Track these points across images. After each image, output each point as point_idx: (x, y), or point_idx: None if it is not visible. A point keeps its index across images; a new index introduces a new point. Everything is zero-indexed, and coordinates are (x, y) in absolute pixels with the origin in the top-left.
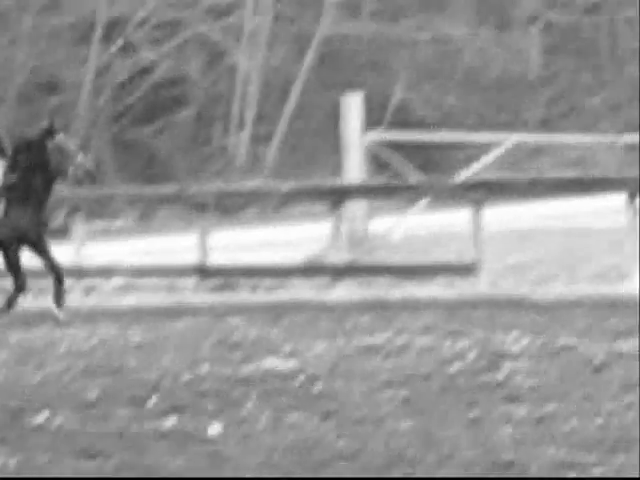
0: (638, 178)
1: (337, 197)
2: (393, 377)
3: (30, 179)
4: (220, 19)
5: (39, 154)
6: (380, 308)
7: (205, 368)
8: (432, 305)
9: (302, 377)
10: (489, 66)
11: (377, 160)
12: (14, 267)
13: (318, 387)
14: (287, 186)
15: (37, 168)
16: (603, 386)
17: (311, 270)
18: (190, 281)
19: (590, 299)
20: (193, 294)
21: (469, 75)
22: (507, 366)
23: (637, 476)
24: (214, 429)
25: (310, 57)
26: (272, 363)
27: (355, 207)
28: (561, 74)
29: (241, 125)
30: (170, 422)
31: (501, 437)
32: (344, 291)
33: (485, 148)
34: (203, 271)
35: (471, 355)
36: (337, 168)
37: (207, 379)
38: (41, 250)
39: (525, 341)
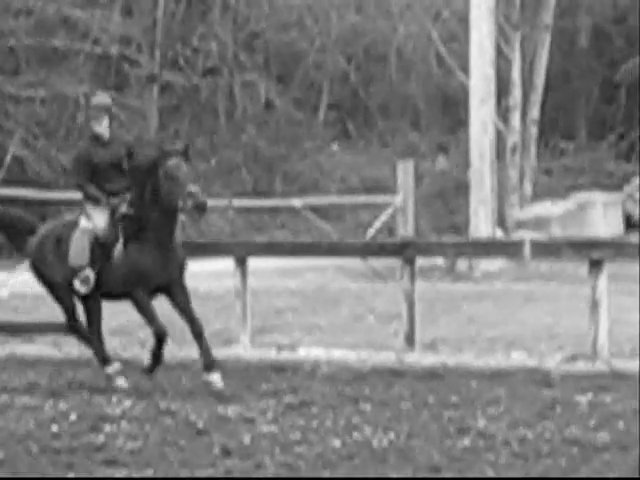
0: (247, 243)
1: None
2: None
3: (145, 210)
4: None
5: (152, 181)
6: None
7: None
8: (36, 364)
9: None
10: None
11: None
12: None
13: None
14: None
15: (151, 197)
16: (204, 450)
17: None
18: None
19: (197, 362)
20: None
21: (84, 133)
22: (107, 429)
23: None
24: None
25: None
26: None
27: None
28: (178, 135)
29: None
30: None
31: None
32: None
33: None
34: None
35: (72, 416)
36: None
37: None
38: (176, 298)
39: (127, 404)
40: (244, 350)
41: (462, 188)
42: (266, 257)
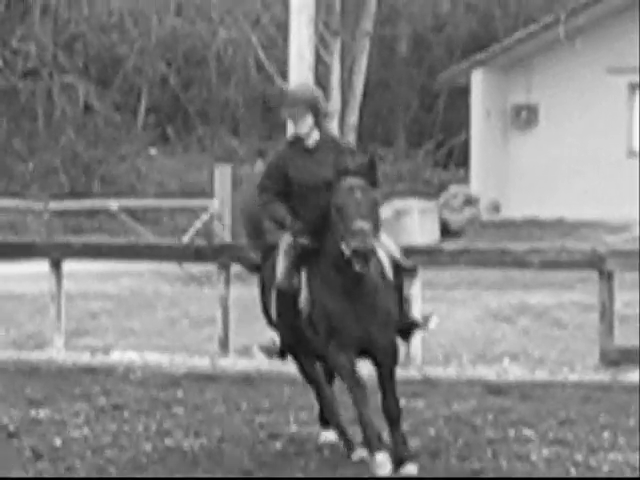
0: (62, 245)
1: None
2: None
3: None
4: None
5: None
6: None
7: None
8: None
9: None
10: None
11: None
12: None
13: None
14: None
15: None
16: (14, 453)
17: None
18: None
19: (9, 364)
20: None
21: None
22: None
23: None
24: None
25: None
26: None
27: None
28: None
29: None
30: None
31: None
32: None
33: None
34: None
35: None
36: None
37: None
38: (383, 372)
39: None
40: (57, 353)
41: None
42: (82, 259)
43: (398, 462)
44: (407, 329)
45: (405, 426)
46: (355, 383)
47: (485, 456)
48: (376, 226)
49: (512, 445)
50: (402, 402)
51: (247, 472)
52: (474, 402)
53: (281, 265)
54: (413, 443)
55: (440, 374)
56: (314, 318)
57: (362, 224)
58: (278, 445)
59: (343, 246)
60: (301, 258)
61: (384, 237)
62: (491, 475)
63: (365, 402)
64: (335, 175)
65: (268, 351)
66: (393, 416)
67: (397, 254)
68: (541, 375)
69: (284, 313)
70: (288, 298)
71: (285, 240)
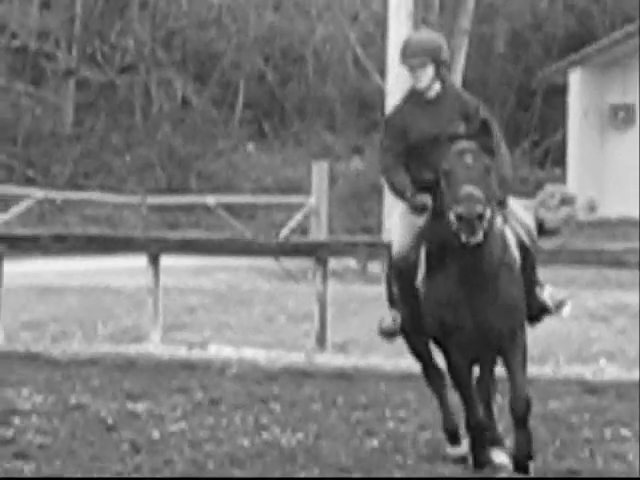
0: (160, 240)
1: None
2: None
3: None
4: None
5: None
6: None
7: None
8: None
9: None
10: (21, 119)
11: None
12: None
13: None
14: None
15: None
16: (113, 446)
17: None
18: None
19: (107, 358)
20: None
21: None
22: (17, 422)
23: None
24: None
25: None
26: None
27: None
28: (93, 132)
29: None
30: None
31: None
32: None
33: (12, 202)
34: None
35: None
36: None
37: None
38: (510, 365)
39: (38, 398)
40: (154, 347)
41: (376, 190)
42: (179, 254)
43: (517, 464)
44: (537, 315)
45: (500, 425)
46: (464, 385)
47: (582, 455)
48: (490, 195)
49: (609, 444)
50: (498, 399)
51: (344, 469)
52: (570, 401)
53: (397, 237)
54: (509, 442)
55: (536, 372)
56: (427, 306)
57: (470, 189)
58: (375, 442)
59: (450, 215)
60: (421, 230)
61: (517, 208)
62: (588, 475)
63: (473, 405)
64: (445, 138)
65: (388, 333)
66: (519, 414)
67: (530, 229)
68: (636, 375)
69: (403, 290)
70: (407, 274)
71: (402, 208)
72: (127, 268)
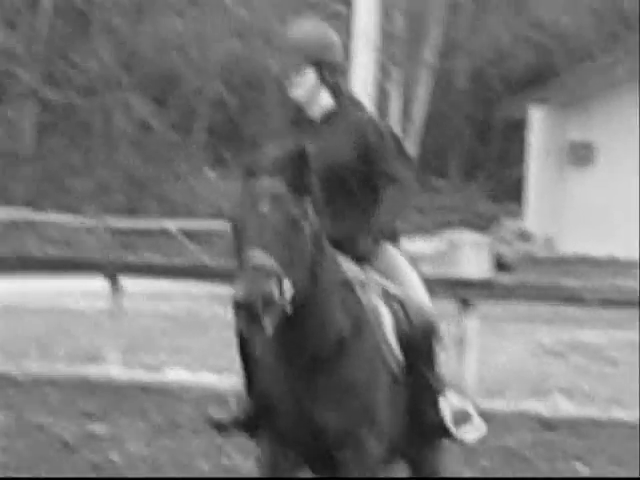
0: (121, 262)
1: None
2: None
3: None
4: None
5: None
6: None
7: None
8: None
9: None
10: None
11: None
12: None
13: None
14: None
15: None
16: (73, 467)
17: None
18: None
19: (66, 379)
20: None
21: None
22: None
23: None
24: None
25: None
26: None
27: None
28: (53, 152)
29: None
30: None
31: None
32: None
33: None
34: None
35: None
36: None
37: None
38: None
39: None
40: (113, 369)
41: None
42: (139, 277)
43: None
44: (429, 436)
45: (457, 457)
46: None
47: None
48: (295, 259)
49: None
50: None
51: None
52: (526, 435)
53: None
54: (464, 474)
55: (492, 406)
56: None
57: (260, 257)
58: None
59: (234, 290)
60: None
61: (407, 273)
62: None
63: None
64: (244, 172)
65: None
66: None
67: (422, 306)
68: (592, 412)
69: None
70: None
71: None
72: (86, 290)
